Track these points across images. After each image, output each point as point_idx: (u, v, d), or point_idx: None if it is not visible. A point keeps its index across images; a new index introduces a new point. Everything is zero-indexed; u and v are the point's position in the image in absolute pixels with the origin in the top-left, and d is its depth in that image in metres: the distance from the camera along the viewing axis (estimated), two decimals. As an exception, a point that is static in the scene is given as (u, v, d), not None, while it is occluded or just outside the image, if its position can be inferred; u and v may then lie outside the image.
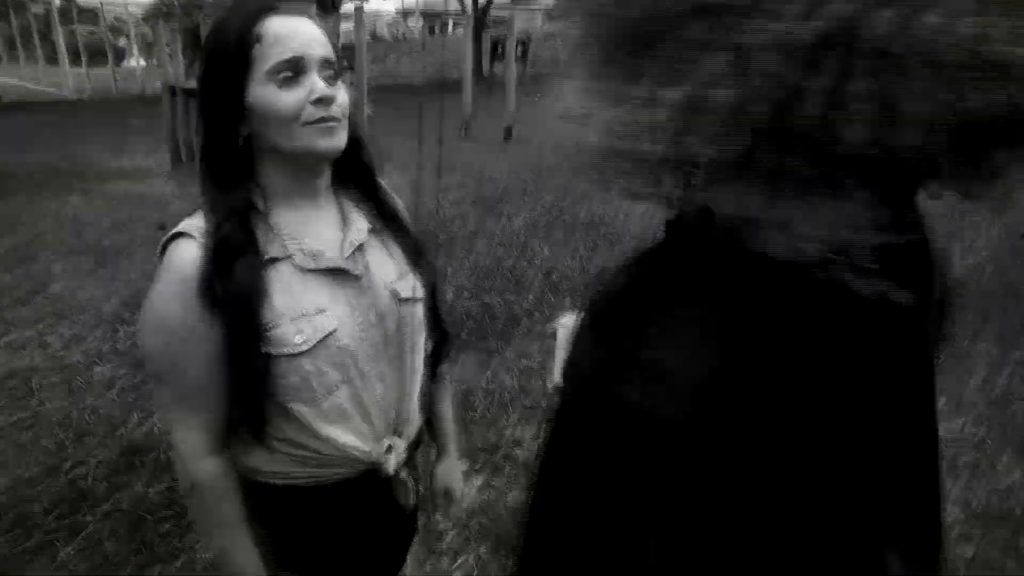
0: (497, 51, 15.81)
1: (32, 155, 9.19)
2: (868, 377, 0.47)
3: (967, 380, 3.24)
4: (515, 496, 2.51)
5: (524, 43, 15.07)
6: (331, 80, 0.96)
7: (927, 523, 0.54)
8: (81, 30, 28.53)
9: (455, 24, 40.56)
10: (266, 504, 1.05)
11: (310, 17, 0.97)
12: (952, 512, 2.40)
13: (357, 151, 1.05)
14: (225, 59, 0.93)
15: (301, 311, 0.97)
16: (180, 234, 0.95)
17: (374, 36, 34.17)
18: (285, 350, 0.95)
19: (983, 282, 4.28)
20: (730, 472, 0.43)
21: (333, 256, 1.01)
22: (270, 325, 0.94)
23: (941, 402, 3.09)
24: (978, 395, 3.11)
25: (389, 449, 1.09)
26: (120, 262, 4.87)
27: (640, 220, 5.74)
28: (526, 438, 2.86)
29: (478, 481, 2.54)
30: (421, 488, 1.22)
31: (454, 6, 26.51)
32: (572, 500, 0.49)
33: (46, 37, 26.36)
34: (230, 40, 0.93)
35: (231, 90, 0.93)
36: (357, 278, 1.03)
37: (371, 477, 1.08)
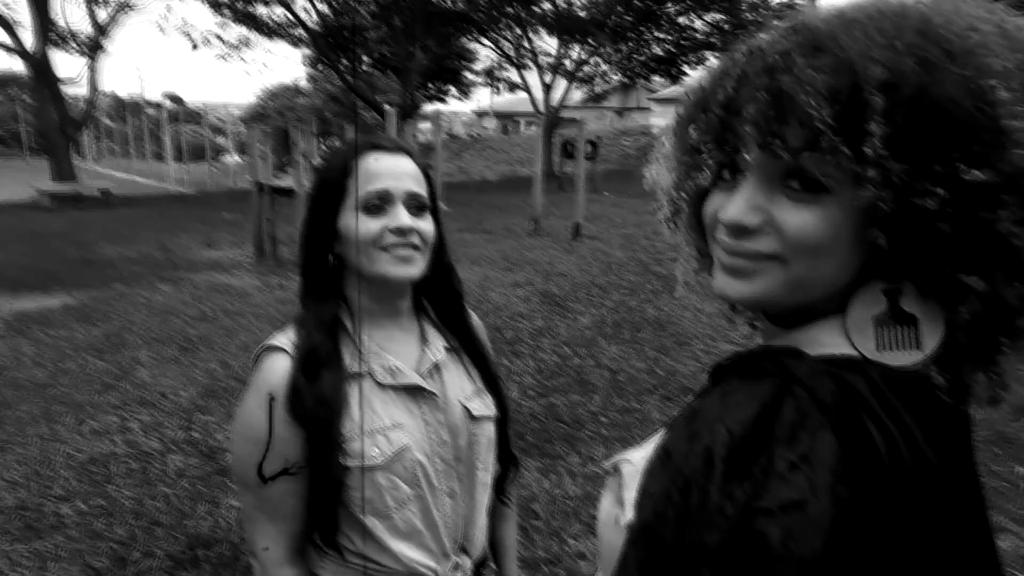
0: (567, 150, 16.29)
1: (133, 246, 9.88)
2: (967, 483, 0.53)
3: (1079, 509, 2.95)
4: (578, 615, 2.39)
5: (594, 143, 15.50)
6: (418, 212, 1.04)
7: None
8: (186, 130, 31.18)
9: (528, 123, 42.31)
10: None
11: (410, 154, 1.07)
12: (1006, 542, 2.13)
13: (446, 275, 1.13)
14: (326, 187, 1.05)
15: (378, 425, 1.02)
16: (273, 347, 1.03)
17: (451, 135, 35.97)
18: (359, 462, 0.99)
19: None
20: None
21: (410, 373, 1.07)
22: (348, 437, 0.99)
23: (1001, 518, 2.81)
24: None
25: (456, 567, 1.10)
26: (200, 351, 5.08)
27: (709, 321, 5.64)
28: (590, 550, 2.74)
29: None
30: None
31: (527, 107, 27.74)
32: None
33: (156, 136, 28.86)
34: (333, 170, 1.04)
35: (327, 215, 1.04)
36: (433, 395, 1.08)
37: None
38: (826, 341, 0.53)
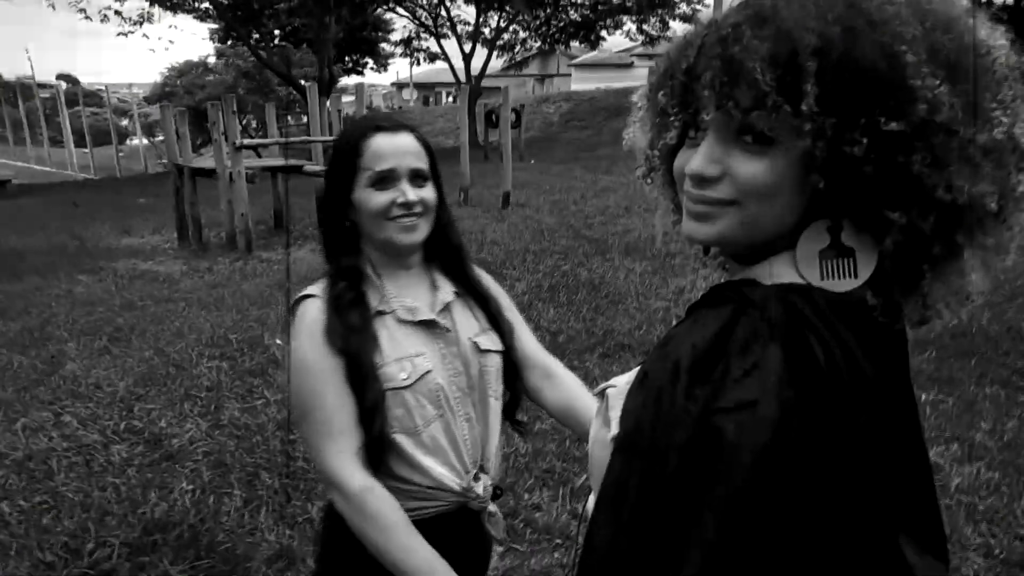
0: (492, 119, 16.24)
1: (41, 236, 9.36)
2: (901, 392, 0.63)
3: (978, 425, 3.27)
4: (538, 560, 2.52)
5: (517, 111, 15.51)
6: (420, 184, 1.21)
7: (931, 514, 0.65)
8: (86, 113, 29.34)
9: (449, 94, 41.76)
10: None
11: (412, 132, 1.23)
12: (975, 560, 2.40)
13: (447, 234, 1.30)
14: (338, 166, 1.21)
15: (403, 353, 1.19)
16: (307, 296, 1.20)
17: (370, 108, 35.17)
18: (392, 384, 1.16)
19: (985, 327, 4.35)
20: (801, 482, 0.55)
21: (426, 311, 1.24)
22: (380, 364, 1.16)
23: (953, 448, 3.11)
24: (989, 440, 3.14)
25: (477, 480, 1.25)
26: (131, 341, 4.93)
27: (639, 280, 5.85)
28: (545, 501, 2.87)
29: (500, 548, 2.54)
30: (499, 519, 1.35)
31: (447, 77, 27.38)
32: (658, 521, 0.57)
33: (51, 120, 27.09)
34: (343, 152, 1.21)
35: (341, 189, 1.21)
36: (446, 330, 1.25)
37: (464, 513, 1.24)
38: (779, 272, 0.63)
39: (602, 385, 0.72)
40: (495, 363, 1.29)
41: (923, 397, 3.55)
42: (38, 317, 5.55)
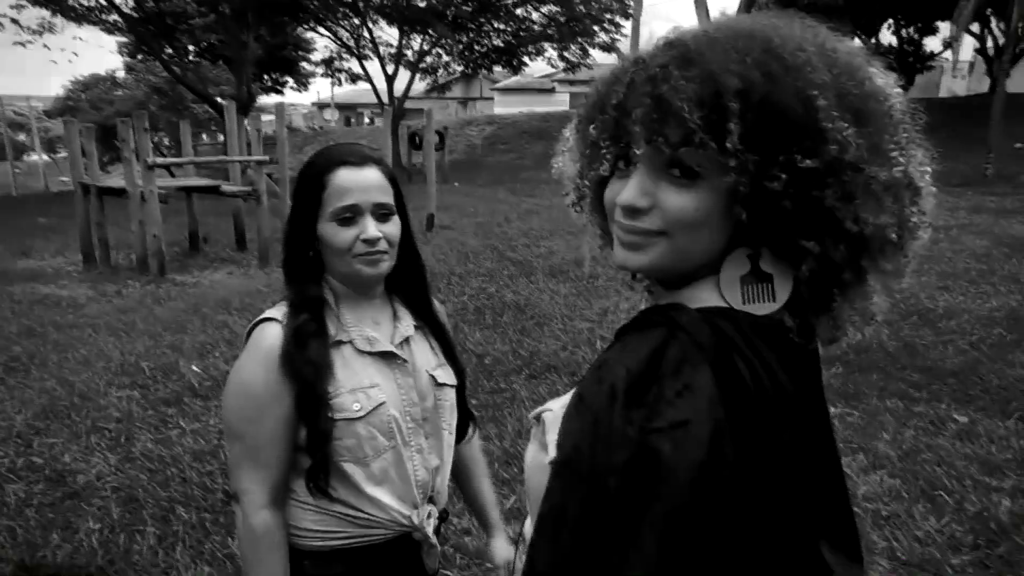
0: (415, 141, 16.22)
1: (-75, 259, 8.67)
2: (816, 407, 0.69)
3: (880, 435, 3.48)
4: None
5: (440, 133, 15.56)
6: (384, 219, 1.20)
7: (846, 518, 0.71)
8: (-23, 128, 27.47)
9: (372, 114, 41.43)
10: (306, 567, 1.20)
11: (377, 165, 1.21)
12: (880, 563, 2.55)
13: (413, 266, 1.30)
14: (303, 197, 1.20)
15: (358, 384, 1.19)
16: (266, 319, 1.19)
17: (290, 128, 34.43)
18: (344, 415, 1.16)
19: (884, 343, 4.64)
20: (733, 495, 0.58)
21: (385, 343, 1.24)
22: (333, 394, 1.16)
23: (859, 458, 3.30)
24: (891, 449, 3.35)
25: (427, 516, 1.25)
26: (31, 370, 4.62)
27: (564, 301, 5.94)
28: (475, 526, 2.85)
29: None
30: (443, 550, 1.41)
31: (370, 98, 27.21)
32: (602, 543, 0.58)
33: (-62, 135, 25.22)
34: (308, 184, 1.19)
35: (305, 220, 1.19)
36: (404, 362, 1.26)
37: (404, 541, 1.24)
38: (704, 297, 0.67)
39: (538, 409, 0.74)
40: (450, 396, 1.32)
41: (832, 411, 3.74)
42: (-77, 347, 5.12)
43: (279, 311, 1.20)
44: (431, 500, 1.28)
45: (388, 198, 1.21)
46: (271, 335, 1.17)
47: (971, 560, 2.55)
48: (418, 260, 1.32)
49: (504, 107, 34.74)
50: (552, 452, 0.65)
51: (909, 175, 0.63)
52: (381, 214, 1.19)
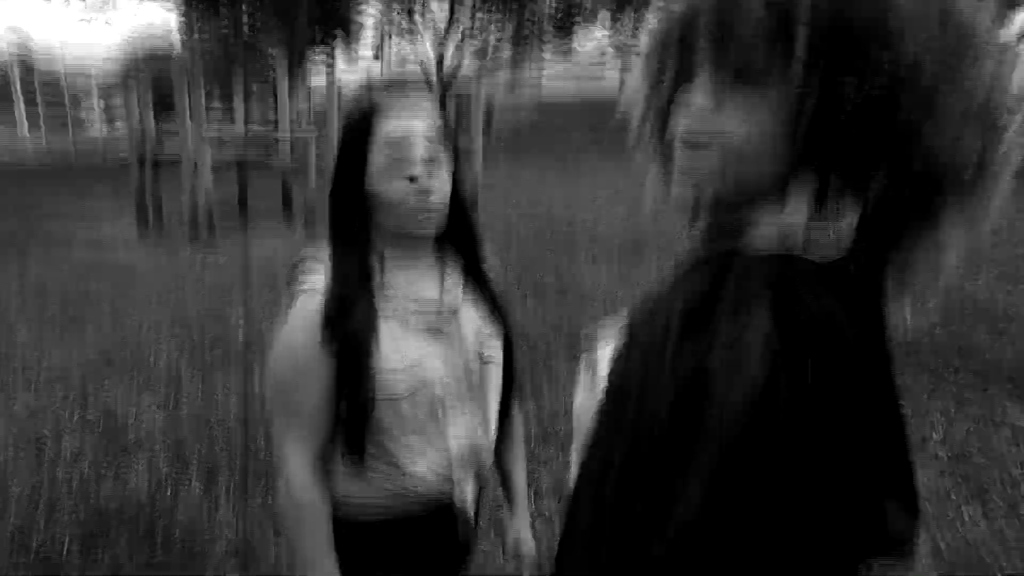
0: (461, 122, 16.22)
1: (-9, 221, 9.03)
2: (882, 355, 0.63)
3: (930, 435, 3.38)
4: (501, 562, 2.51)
5: (488, 113, 15.51)
6: (436, 170, 1.11)
7: (910, 480, 0.66)
8: (42, 97, 28.42)
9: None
10: (347, 537, 1.17)
11: (423, 110, 1.11)
12: (923, 562, 2.48)
13: (466, 223, 1.22)
14: (348, 151, 1.12)
15: (402, 361, 1.12)
16: (307, 288, 1.12)
17: (339, 107, 34.66)
18: (386, 392, 1.11)
19: (936, 342, 4.49)
20: (788, 440, 0.54)
21: (431, 317, 1.18)
22: (376, 371, 1.10)
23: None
24: (940, 450, 3.24)
25: (462, 488, 1.21)
26: (88, 329, 4.79)
27: (607, 283, 5.90)
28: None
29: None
30: (480, 524, 1.35)
31: (416, 75, 27.23)
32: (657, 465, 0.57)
33: (4, 104, 26.17)
34: (353, 135, 1.11)
35: (351, 178, 1.12)
36: (450, 336, 1.19)
37: (442, 513, 1.21)
38: (763, 240, 0.64)
39: (588, 351, 0.72)
40: (496, 371, 1.25)
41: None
42: (-13, 302, 5.35)
43: (318, 278, 1.13)
44: (470, 477, 1.24)
45: (440, 145, 1.12)
46: (314, 303, 1.10)
47: None
48: (470, 215, 1.22)
49: (553, 88, 34.44)
50: (600, 391, 0.64)
51: (991, 110, 0.58)
52: (432, 164, 1.10)
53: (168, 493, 2.83)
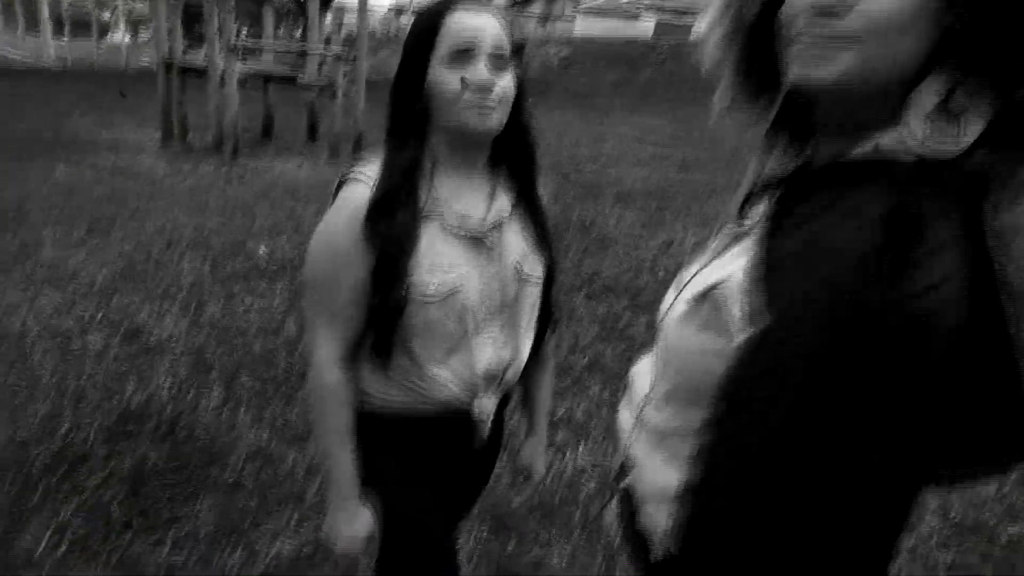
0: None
1: (13, 122, 9.01)
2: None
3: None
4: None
5: (519, 46, 15.11)
6: (498, 68, 1.08)
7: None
8: (66, 2, 27.97)
9: (448, 24, 40.28)
10: (368, 429, 1.21)
11: (492, 12, 1.11)
12: (931, 521, 2.50)
13: (522, 135, 1.18)
14: (414, 42, 1.10)
15: (439, 265, 1.12)
16: (355, 178, 1.12)
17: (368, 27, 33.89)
18: (418, 295, 1.10)
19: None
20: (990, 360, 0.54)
21: (475, 226, 1.16)
22: (411, 271, 1.10)
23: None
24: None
25: (482, 399, 1.22)
26: (113, 233, 4.82)
27: (629, 229, 5.84)
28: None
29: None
30: (505, 436, 1.36)
31: (449, 6, 26.45)
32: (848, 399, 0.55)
33: (28, 5, 25.78)
34: (421, 27, 1.10)
35: (415, 68, 1.10)
36: (491, 249, 1.18)
37: (461, 418, 1.23)
38: (884, 139, 0.59)
39: (697, 286, 0.67)
40: (533, 292, 1.24)
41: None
42: (13, 200, 5.38)
43: (372, 169, 1.13)
44: (498, 391, 1.25)
45: (505, 48, 1.09)
46: (359, 195, 1.10)
47: (1028, 530, 2.48)
48: (529, 130, 1.19)
49: (585, 29, 33.44)
50: (742, 329, 0.59)
51: None
52: (497, 63, 1.08)
53: (189, 396, 2.89)
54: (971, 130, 0.56)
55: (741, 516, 0.59)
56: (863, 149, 0.60)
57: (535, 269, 1.23)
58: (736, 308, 0.61)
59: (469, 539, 2.21)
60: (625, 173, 8.04)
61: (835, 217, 0.57)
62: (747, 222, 0.75)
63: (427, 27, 1.08)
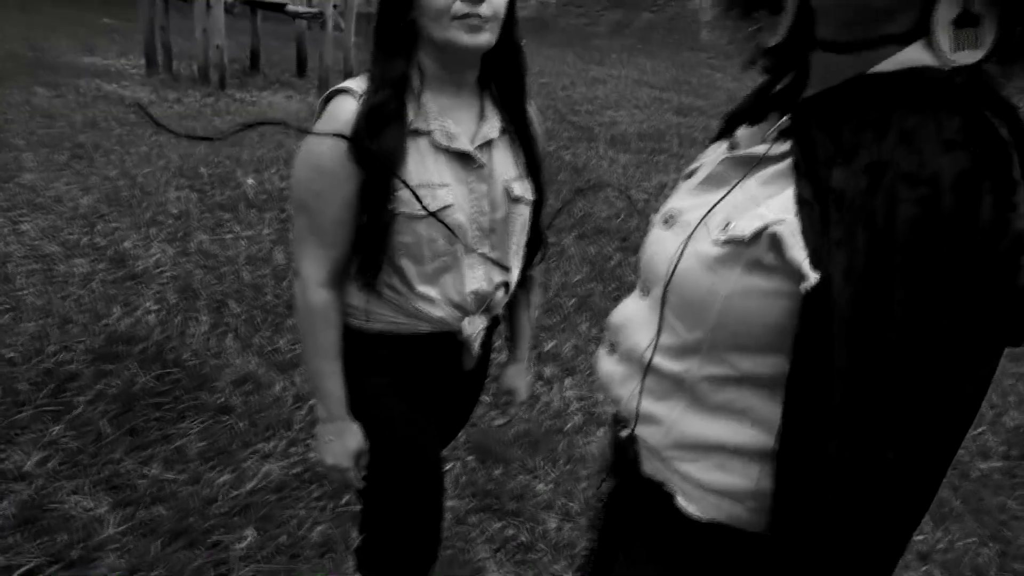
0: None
1: (-6, 43, 8.70)
2: None
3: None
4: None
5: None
6: None
7: None
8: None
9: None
10: (356, 348, 1.20)
11: None
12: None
13: (512, 54, 1.15)
14: None
15: (427, 181, 1.10)
16: (342, 91, 1.09)
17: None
18: (407, 210, 1.09)
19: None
20: None
21: (465, 141, 1.13)
22: (399, 186, 1.07)
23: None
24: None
25: (471, 320, 1.21)
26: (94, 159, 4.72)
27: (623, 171, 5.79)
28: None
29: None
30: (492, 355, 1.36)
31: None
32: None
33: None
34: None
35: None
36: (480, 167, 1.16)
37: (449, 338, 1.22)
38: (911, 52, 0.57)
39: (751, 225, 0.61)
40: (523, 212, 1.22)
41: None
42: (-8, 122, 5.24)
43: (359, 83, 1.10)
44: (487, 311, 1.24)
45: None
46: (346, 109, 1.07)
47: (1000, 468, 2.56)
48: (519, 51, 1.17)
49: (583, -33, 32.45)
50: (812, 274, 0.55)
51: None
52: None
53: (177, 321, 2.88)
54: (988, 39, 0.55)
55: (851, 488, 0.55)
56: (891, 63, 0.58)
57: (525, 191, 1.21)
58: (798, 249, 0.56)
59: (455, 465, 2.25)
60: (620, 116, 7.92)
61: (898, 140, 0.54)
62: (741, 144, 0.72)
63: None
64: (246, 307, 3.07)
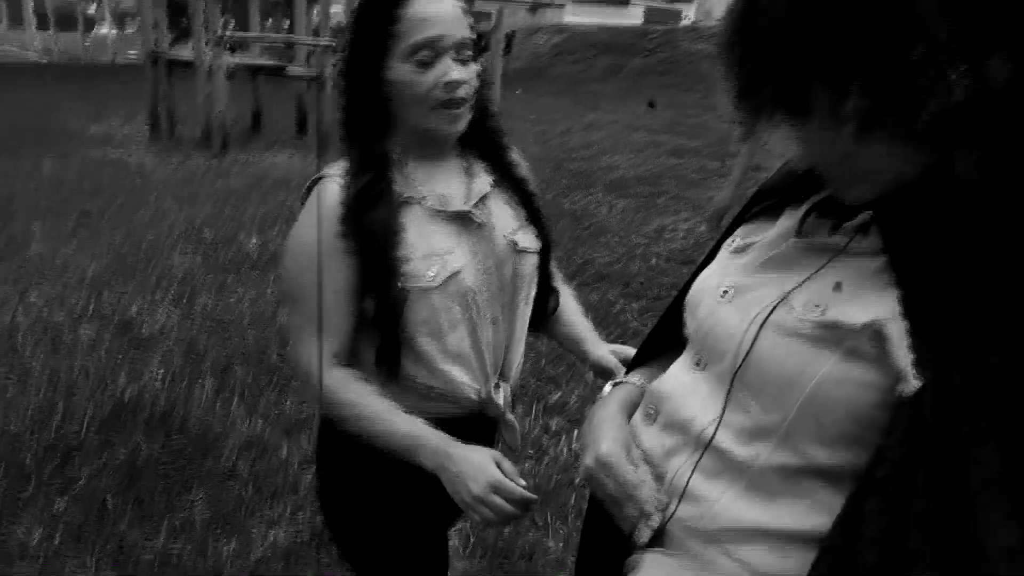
0: (481, 43, 15.76)
1: (3, 114, 8.92)
2: None
3: None
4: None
5: (508, 37, 15.05)
6: (466, 61, 1.01)
7: None
8: (51, -7, 27.60)
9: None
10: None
11: None
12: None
13: (486, 120, 1.12)
14: (370, 33, 0.99)
15: (432, 249, 1.05)
16: (325, 178, 1.05)
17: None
18: (418, 284, 1.03)
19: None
20: None
21: (460, 202, 1.09)
22: (404, 259, 1.02)
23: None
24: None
25: (497, 388, 1.16)
26: (102, 226, 4.79)
27: (621, 216, 5.84)
28: (517, 416, 2.91)
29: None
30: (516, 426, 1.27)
31: None
32: None
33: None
34: (374, 15, 0.99)
35: (372, 63, 1.00)
36: (480, 225, 1.10)
37: (480, 419, 1.16)
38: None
39: (859, 316, 0.59)
40: (530, 264, 1.16)
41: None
42: (1, 194, 5.34)
43: (339, 169, 1.05)
44: (503, 376, 1.18)
45: (468, 33, 1.01)
46: (331, 194, 1.02)
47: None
48: (493, 115, 1.14)
49: (575, 17, 33.30)
50: (913, 379, 0.54)
51: None
52: (463, 55, 1.00)
53: (182, 387, 2.88)
54: None
55: None
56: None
57: (530, 241, 1.16)
58: (903, 352, 0.55)
59: (464, 524, 2.22)
60: (617, 161, 8.03)
61: (993, 237, 0.54)
62: (809, 230, 0.69)
63: (381, 17, 0.98)
64: (251, 370, 3.07)
